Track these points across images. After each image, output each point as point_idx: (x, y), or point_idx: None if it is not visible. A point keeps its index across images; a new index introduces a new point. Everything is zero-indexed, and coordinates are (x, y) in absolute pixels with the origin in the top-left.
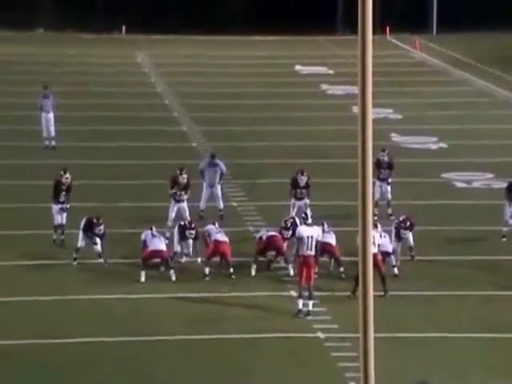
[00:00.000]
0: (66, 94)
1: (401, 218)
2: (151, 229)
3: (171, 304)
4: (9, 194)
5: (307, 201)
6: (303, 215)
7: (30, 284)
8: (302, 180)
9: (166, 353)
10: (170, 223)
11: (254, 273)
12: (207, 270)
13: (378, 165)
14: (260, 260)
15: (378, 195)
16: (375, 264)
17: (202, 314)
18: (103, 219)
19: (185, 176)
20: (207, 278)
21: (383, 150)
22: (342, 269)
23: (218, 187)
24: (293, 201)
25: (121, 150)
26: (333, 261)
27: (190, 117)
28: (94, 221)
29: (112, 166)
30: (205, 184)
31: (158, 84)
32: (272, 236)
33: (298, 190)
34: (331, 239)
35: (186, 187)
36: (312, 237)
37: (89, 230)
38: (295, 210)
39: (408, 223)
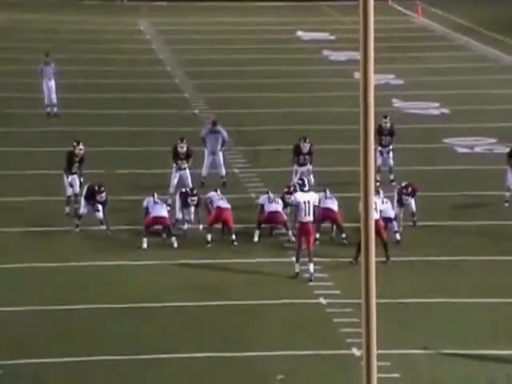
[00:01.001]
0: (68, 61)
1: (403, 184)
2: (153, 195)
3: (173, 271)
4: (14, 161)
5: (310, 167)
6: (299, 181)
7: (32, 251)
8: (305, 147)
9: (168, 319)
10: (171, 190)
11: (256, 239)
12: (209, 237)
13: (379, 131)
14: (262, 227)
15: (379, 161)
16: (377, 230)
17: (204, 281)
18: (105, 186)
19: (183, 145)
20: (209, 245)
21: (385, 117)
22: (344, 235)
23: (220, 154)
24: (295, 167)
25: (123, 117)
26: (335, 227)
27: (192, 84)
28: (96, 188)
29: (114, 132)
30: (206, 151)
31: (160, 51)
32: (273, 212)
33: (301, 157)
34: (333, 205)
35: (186, 156)
36: (309, 202)
37: (91, 197)
38: (298, 176)
39: (410, 189)
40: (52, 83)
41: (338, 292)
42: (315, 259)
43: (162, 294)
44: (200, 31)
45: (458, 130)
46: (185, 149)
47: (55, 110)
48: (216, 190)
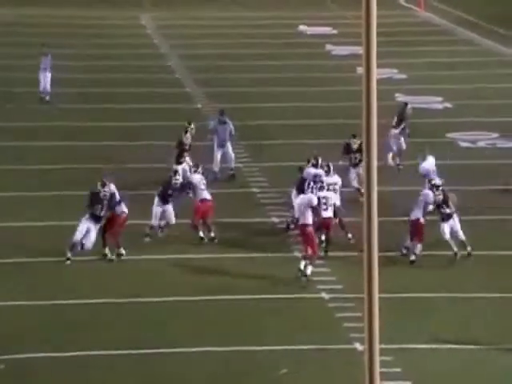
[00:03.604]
0: (69, 55)
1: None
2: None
3: (178, 267)
4: (18, 155)
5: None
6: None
7: (40, 245)
8: (355, 143)
9: (176, 314)
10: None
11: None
12: (201, 233)
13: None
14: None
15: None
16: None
17: (207, 277)
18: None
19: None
20: (205, 241)
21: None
22: (350, 235)
23: (229, 146)
24: (350, 169)
25: (125, 111)
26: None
27: (194, 78)
28: (98, 189)
29: (117, 127)
30: (215, 144)
31: (161, 46)
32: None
33: (352, 156)
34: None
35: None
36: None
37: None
38: (355, 179)
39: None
40: (48, 74)
41: (340, 287)
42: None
43: (167, 289)
44: (201, 25)
45: (461, 125)
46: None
47: (48, 97)
48: (201, 173)
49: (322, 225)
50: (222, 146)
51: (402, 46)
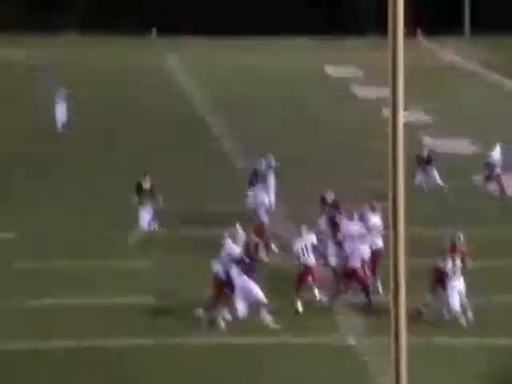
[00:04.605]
0: (97, 97)
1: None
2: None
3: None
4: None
5: None
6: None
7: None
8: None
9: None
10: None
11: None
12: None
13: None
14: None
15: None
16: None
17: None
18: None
19: (148, 181)
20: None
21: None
22: (379, 284)
23: (271, 182)
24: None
25: (150, 147)
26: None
27: (220, 118)
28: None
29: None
30: (261, 187)
31: (187, 86)
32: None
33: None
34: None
35: (151, 192)
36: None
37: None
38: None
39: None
40: (63, 106)
41: (368, 331)
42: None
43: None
44: (229, 67)
45: None
46: (148, 185)
47: (63, 129)
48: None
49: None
50: (263, 181)
51: (429, 88)
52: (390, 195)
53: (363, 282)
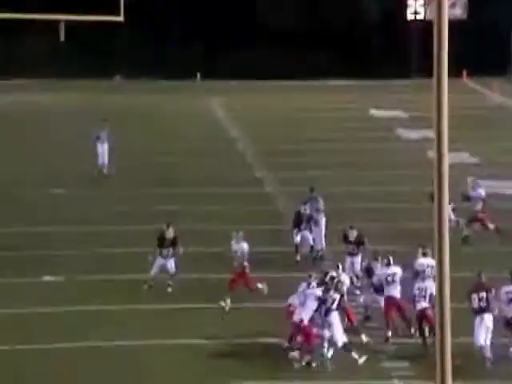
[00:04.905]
0: (139, 141)
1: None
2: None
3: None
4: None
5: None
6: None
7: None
8: (352, 234)
9: None
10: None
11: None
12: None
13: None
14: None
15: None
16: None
17: (271, 360)
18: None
19: (171, 231)
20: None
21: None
22: (412, 330)
23: (322, 223)
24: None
25: (193, 196)
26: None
27: (265, 162)
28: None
29: (186, 212)
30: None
31: (232, 130)
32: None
33: (349, 246)
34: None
35: (173, 243)
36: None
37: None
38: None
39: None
40: (105, 146)
41: (412, 374)
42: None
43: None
44: (273, 109)
45: None
46: (172, 235)
47: (105, 171)
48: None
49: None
50: (315, 223)
51: (474, 129)
52: (435, 236)
53: (432, 321)
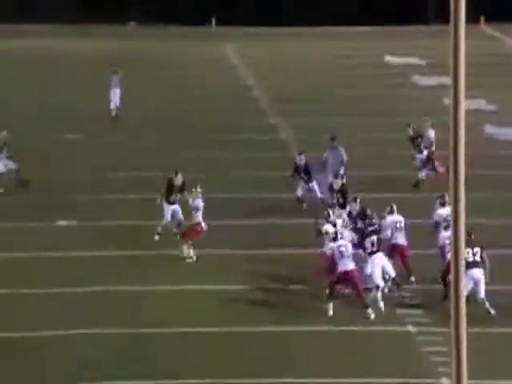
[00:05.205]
0: (156, 87)
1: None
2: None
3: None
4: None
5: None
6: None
7: (120, 274)
8: (337, 183)
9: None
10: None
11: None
12: (331, 307)
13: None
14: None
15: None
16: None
17: (292, 306)
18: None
19: (180, 178)
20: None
21: (299, 154)
22: (412, 278)
23: (340, 176)
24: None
25: (209, 142)
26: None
27: (279, 109)
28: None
29: (214, 158)
30: (329, 172)
31: (247, 78)
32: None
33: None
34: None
35: (181, 189)
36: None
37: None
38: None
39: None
40: (118, 91)
41: (427, 320)
42: (406, 286)
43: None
44: (288, 56)
45: None
46: (180, 182)
47: (118, 112)
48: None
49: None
50: (334, 174)
51: (492, 76)
52: (451, 183)
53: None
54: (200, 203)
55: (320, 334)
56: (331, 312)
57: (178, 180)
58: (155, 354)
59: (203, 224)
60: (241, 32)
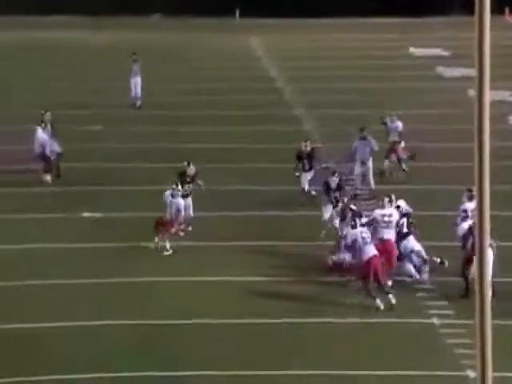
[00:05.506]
0: (179, 78)
1: None
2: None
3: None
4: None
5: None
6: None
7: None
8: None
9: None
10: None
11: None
12: (379, 302)
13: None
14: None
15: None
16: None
17: (317, 299)
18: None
19: (192, 168)
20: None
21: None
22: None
23: (370, 164)
24: None
25: (231, 133)
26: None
27: (303, 101)
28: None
29: (223, 149)
30: (357, 162)
31: (271, 69)
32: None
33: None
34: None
35: (193, 179)
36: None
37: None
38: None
39: None
40: (138, 79)
41: (452, 312)
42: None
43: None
44: (313, 48)
45: None
46: (193, 171)
47: (139, 102)
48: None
49: None
50: (363, 163)
51: None
52: (476, 175)
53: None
54: (180, 202)
55: (345, 326)
56: (382, 306)
57: (191, 170)
58: (177, 345)
59: (183, 226)
60: (265, 24)
